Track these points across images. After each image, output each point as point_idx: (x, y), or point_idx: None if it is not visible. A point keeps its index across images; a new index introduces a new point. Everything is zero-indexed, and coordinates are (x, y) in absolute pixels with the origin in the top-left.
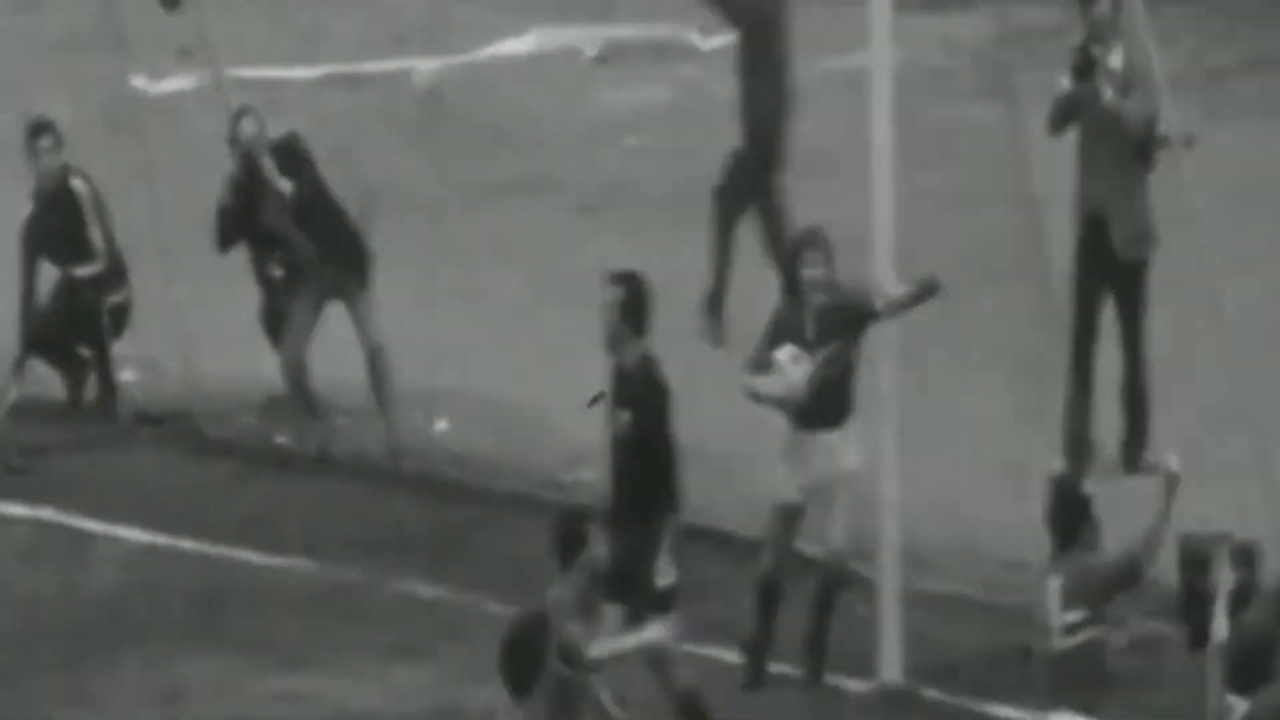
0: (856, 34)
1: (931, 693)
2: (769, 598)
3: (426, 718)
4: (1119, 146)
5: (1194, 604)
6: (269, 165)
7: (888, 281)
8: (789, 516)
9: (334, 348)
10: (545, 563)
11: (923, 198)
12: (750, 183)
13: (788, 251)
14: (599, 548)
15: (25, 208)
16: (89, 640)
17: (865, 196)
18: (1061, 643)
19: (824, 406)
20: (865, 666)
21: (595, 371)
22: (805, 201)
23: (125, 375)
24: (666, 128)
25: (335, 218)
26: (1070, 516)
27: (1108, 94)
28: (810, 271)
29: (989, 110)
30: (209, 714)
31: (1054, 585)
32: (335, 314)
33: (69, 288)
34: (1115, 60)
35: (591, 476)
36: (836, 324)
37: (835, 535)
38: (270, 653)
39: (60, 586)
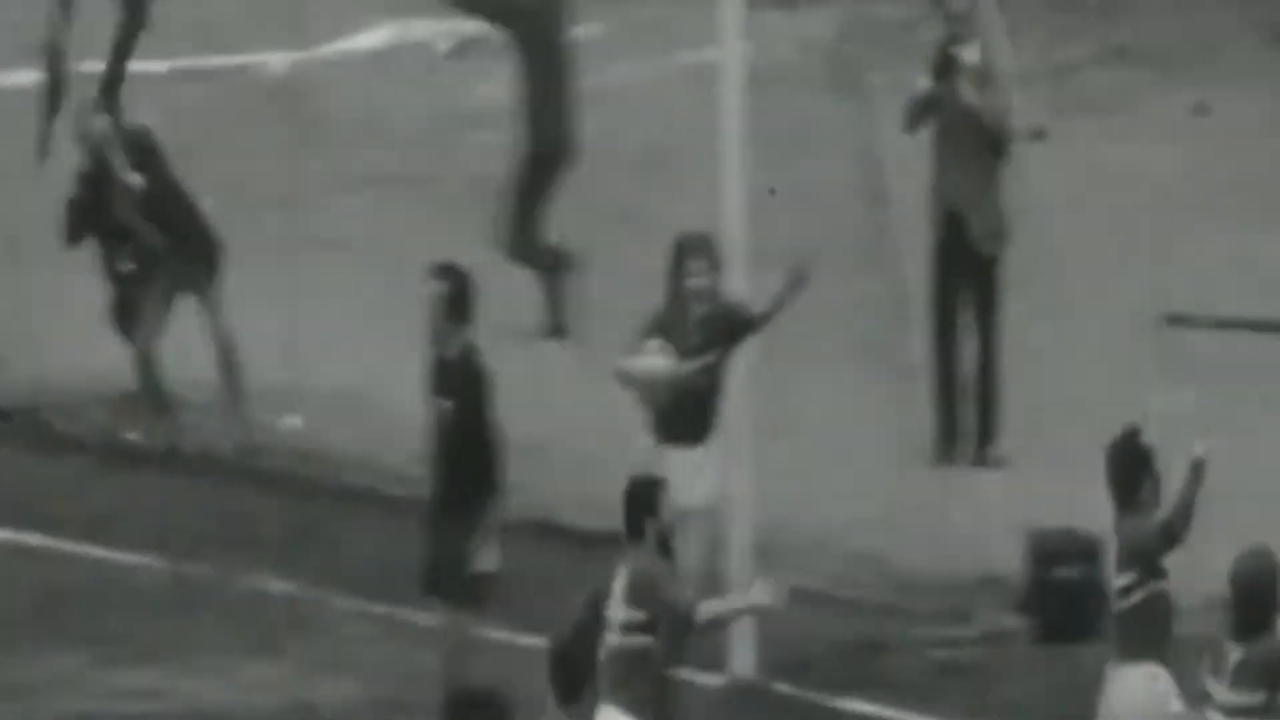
0: (706, 30)
1: (783, 687)
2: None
3: (278, 713)
4: (976, 143)
5: (1040, 597)
6: (118, 159)
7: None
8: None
9: (185, 342)
10: (396, 557)
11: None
12: (544, 180)
13: (671, 257)
14: (668, 515)
15: None
16: None
17: (715, 193)
18: (1120, 605)
19: (687, 420)
20: (717, 660)
21: None
22: (655, 198)
23: None
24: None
25: (185, 211)
26: (1131, 472)
27: (967, 92)
28: (695, 280)
29: (840, 106)
30: (59, 710)
31: (1111, 546)
32: (186, 308)
33: None
34: (972, 57)
35: None
36: (716, 333)
37: (688, 560)
38: (120, 649)
39: None
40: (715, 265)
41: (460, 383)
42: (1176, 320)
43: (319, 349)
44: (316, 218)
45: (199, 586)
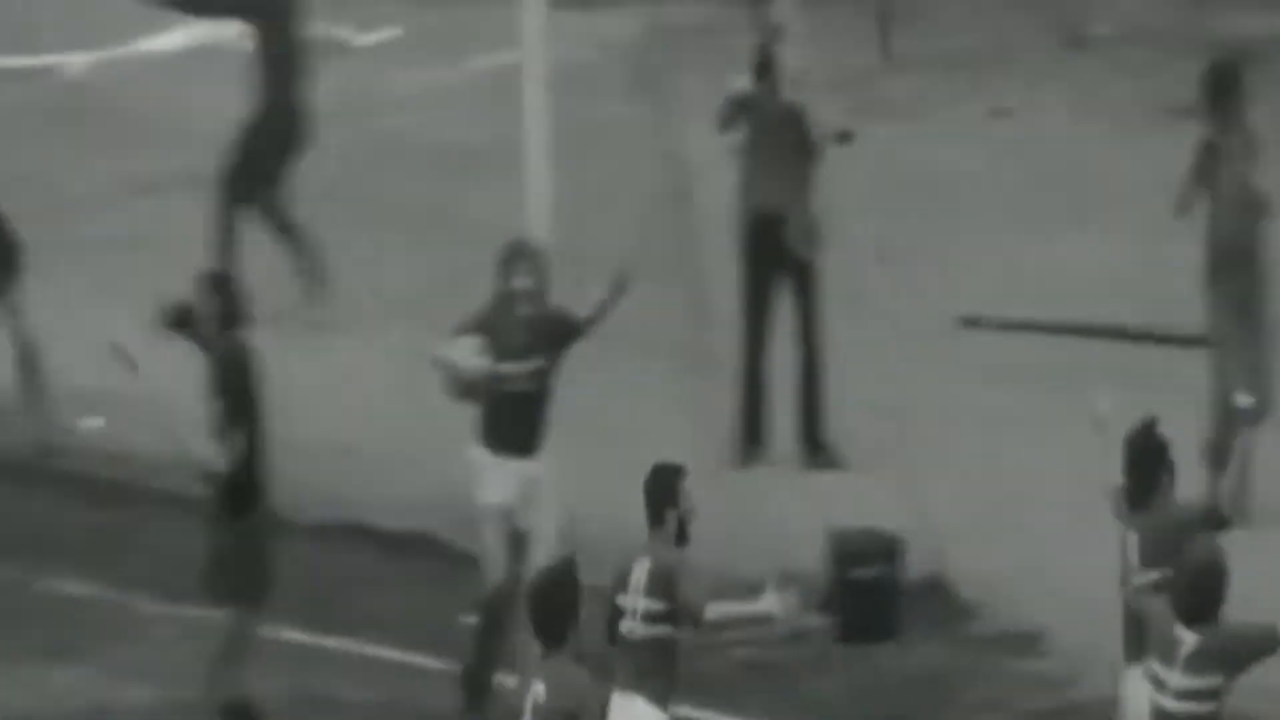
0: (507, 32)
1: None
2: (490, 624)
3: (85, 717)
4: (792, 145)
5: (841, 597)
6: None
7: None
8: (500, 519)
9: None
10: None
11: (577, 195)
12: (262, 172)
13: (498, 259)
14: (689, 503)
15: None
16: None
17: (519, 194)
18: (1137, 602)
19: (517, 430)
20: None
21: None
22: (460, 199)
23: None
24: (320, 125)
25: None
26: (1149, 465)
27: (784, 94)
28: (520, 281)
29: (640, 107)
30: None
31: (1131, 540)
32: None
33: None
34: (793, 59)
35: None
36: (540, 338)
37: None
38: None
39: None
40: (542, 270)
41: (230, 383)
42: (971, 323)
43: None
44: (117, 218)
45: (1, 591)
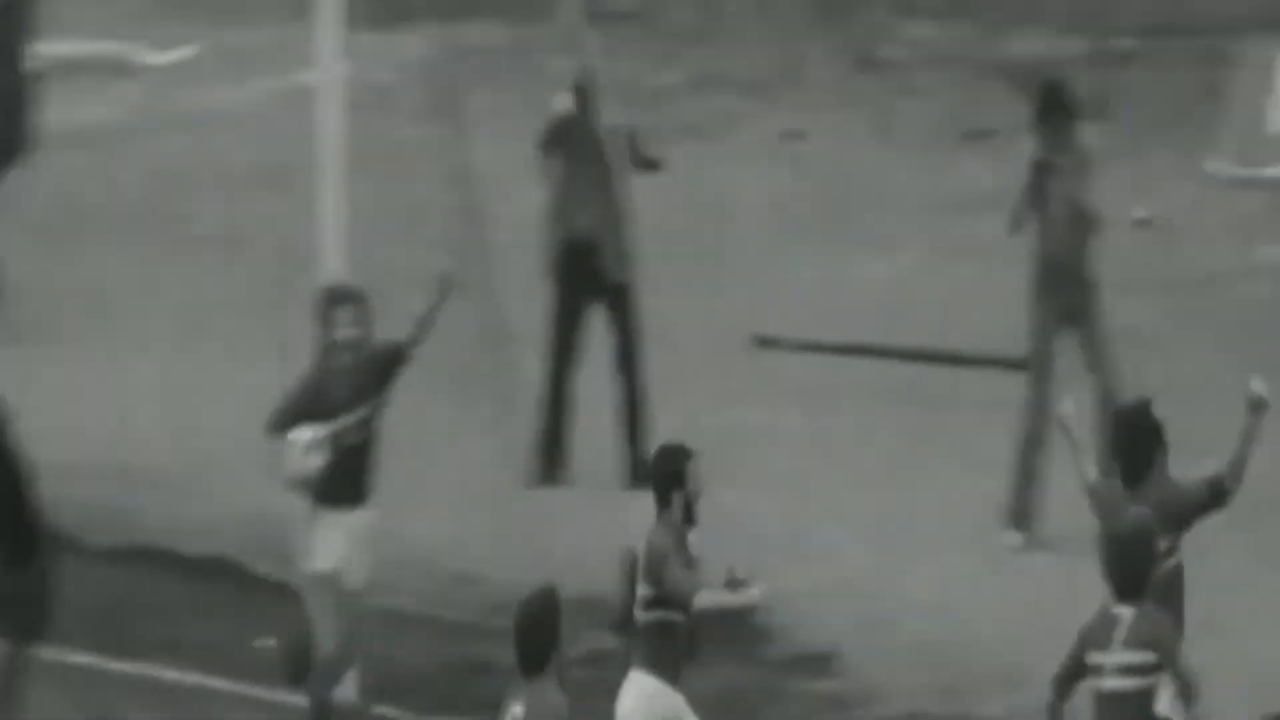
0: (305, 52)
1: (385, 710)
2: (323, 686)
3: None
4: (608, 170)
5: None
6: None
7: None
8: (325, 587)
9: None
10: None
11: (372, 214)
12: None
13: (318, 309)
14: (695, 484)
15: None
16: None
17: (314, 213)
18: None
19: (347, 481)
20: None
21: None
22: (253, 218)
23: None
24: (113, 144)
25: None
26: (1144, 444)
27: (602, 116)
28: (343, 332)
29: (436, 127)
30: None
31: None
32: None
33: None
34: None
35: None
36: (369, 382)
37: (337, 629)
38: None
39: None
40: (365, 315)
41: None
42: (766, 342)
43: None
44: None
45: None
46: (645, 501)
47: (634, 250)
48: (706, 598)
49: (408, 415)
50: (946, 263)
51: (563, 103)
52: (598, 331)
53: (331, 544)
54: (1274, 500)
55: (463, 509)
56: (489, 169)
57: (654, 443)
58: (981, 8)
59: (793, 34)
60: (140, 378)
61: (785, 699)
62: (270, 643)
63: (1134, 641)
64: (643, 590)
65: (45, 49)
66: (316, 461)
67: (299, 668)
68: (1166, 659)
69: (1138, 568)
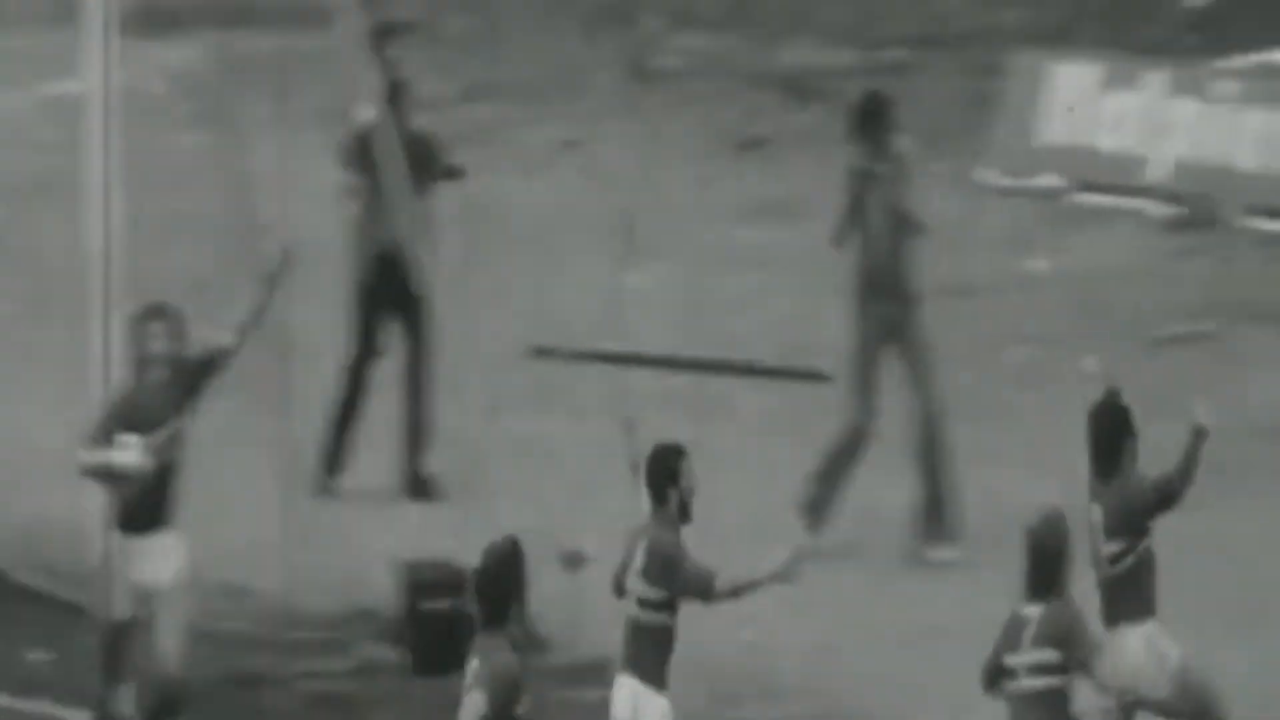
0: (69, 60)
1: None
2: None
3: None
4: (417, 178)
5: (412, 629)
6: None
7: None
8: (119, 633)
9: None
10: None
11: (146, 224)
12: None
13: (131, 324)
14: (690, 482)
15: None
16: None
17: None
18: (1110, 572)
19: (149, 508)
20: (86, 697)
21: None
22: (23, 227)
23: None
24: None
25: None
26: (1113, 437)
27: (412, 124)
28: (155, 345)
29: (209, 136)
30: None
31: (1095, 515)
32: None
33: None
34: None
35: None
36: (178, 396)
37: (166, 654)
38: None
39: None
40: (179, 330)
41: None
42: (542, 352)
43: None
44: None
45: None
46: (423, 513)
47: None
48: (730, 578)
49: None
50: (723, 271)
51: (365, 112)
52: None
53: (147, 564)
54: None
55: (235, 520)
56: (266, 178)
57: (430, 454)
58: (754, 18)
59: (569, 43)
60: None
61: (561, 708)
62: (42, 656)
63: (1041, 640)
64: (644, 591)
65: None
66: (143, 461)
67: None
68: (1074, 654)
69: (1047, 567)
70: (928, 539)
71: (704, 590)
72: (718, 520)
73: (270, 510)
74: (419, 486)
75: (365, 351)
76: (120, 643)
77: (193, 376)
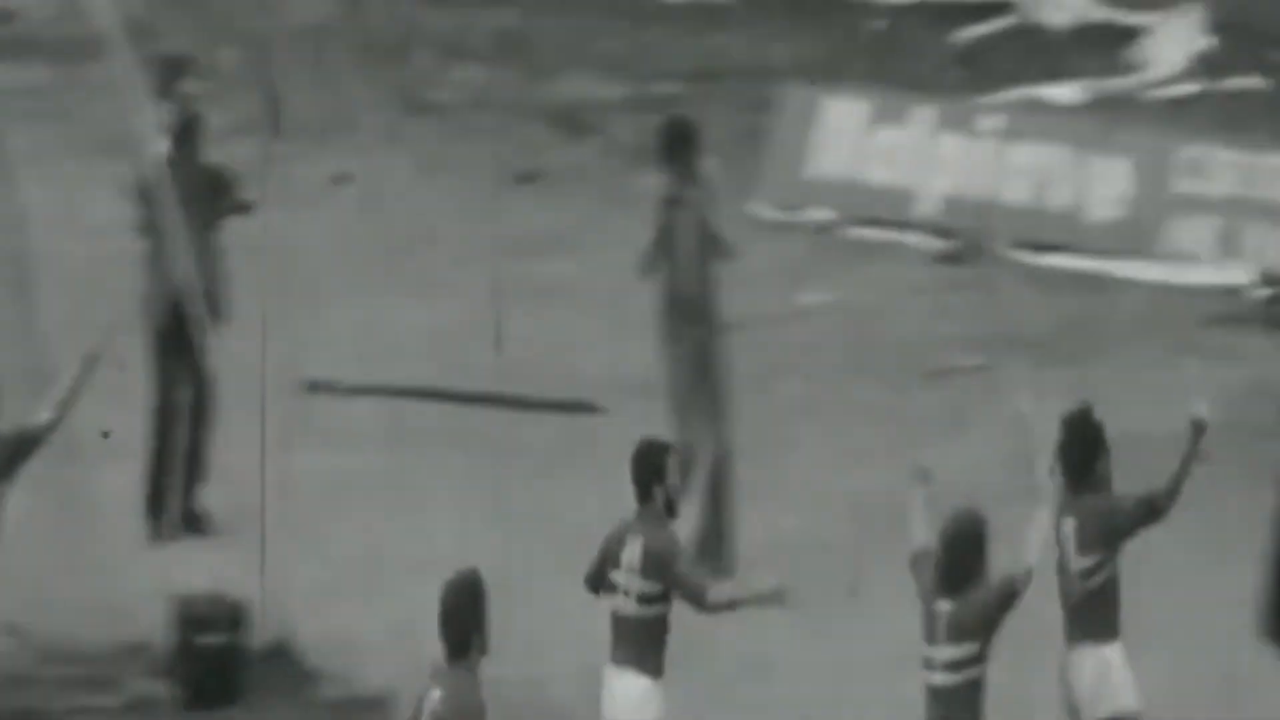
0: None
1: None
2: None
3: None
4: (211, 214)
5: (185, 664)
6: None
7: None
8: None
9: None
10: None
11: None
12: None
13: None
14: (676, 479)
15: None
16: None
17: None
18: (1083, 587)
19: None
20: None
21: None
22: None
23: None
24: None
25: None
26: (1086, 450)
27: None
28: None
29: None
30: None
31: (1068, 528)
32: None
33: None
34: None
35: None
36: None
37: None
38: None
39: None
40: None
41: None
42: (315, 387)
43: None
44: None
45: None
46: (196, 547)
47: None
48: (724, 591)
49: None
50: (498, 304)
51: (158, 146)
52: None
53: None
54: None
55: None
56: (32, 211)
57: (205, 488)
58: (528, 52)
59: (342, 76)
60: None
61: None
62: None
63: (956, 633)
64: (642, 586)
65: None
66: None
67: None
68: (990, 630)
69: (961, 563)
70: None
71: (697, 598)
72: (473, 559)
73: (40, 544)
74: (193, 521)
75: (166, 390)
76: None
77: (6, 454)
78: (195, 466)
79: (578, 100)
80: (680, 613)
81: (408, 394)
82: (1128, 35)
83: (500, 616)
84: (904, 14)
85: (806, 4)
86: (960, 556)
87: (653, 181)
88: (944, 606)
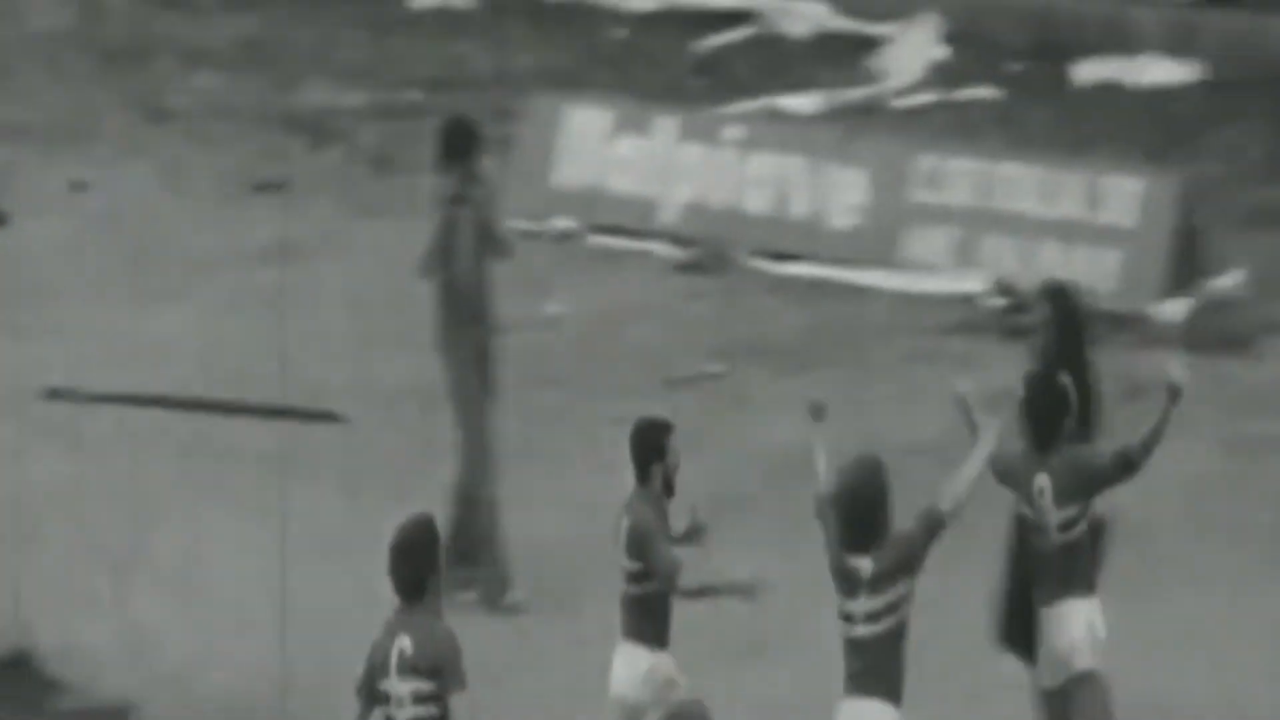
0: None
1: None
2: None
3: None
4: None
5: None
6: None
7: None
8: None
9: None
10: None
11: None
12: None
13: None
14: (675, 458)
15: None
16: None
17: None
18: (1061, 539)
19: None
20: None
21: None
22: None
23: None
24: None
25: None
26: (1053, 411)
27: None
28: None
29: None
30: None
31: (1041, 483)
32: None
33: None
34: None
35: None
36: None
37: None
38: None
39: None
40: None
41: None
42: (55, 394)
43: None
44: None
45: None
46: None
47: None
48: (696, 579)
49: None
50: (238, 313)
51: None
52: None
53: None
54: None
55: None
56: None
57: None
58: (270, 59)
59: (80, 82)
60: None
61: None
62: None
63: (876, 586)
64: (627, 564)
65: None
66: None
67: None
68: (912, 569)
69: (868, 517)
70: (460, 583)
71: (668, 579)
72: (214, 567)
73: None
74: None
75: None
76: None
77: None
78: None
79: (320, 108)
80: None
81: (148, 403)
82: (866, 45)
83: (237, 622)
84: (646, 23)
85: (549, 13)
86: (862, 514)
87: (433, 181)
88: (862, 563)
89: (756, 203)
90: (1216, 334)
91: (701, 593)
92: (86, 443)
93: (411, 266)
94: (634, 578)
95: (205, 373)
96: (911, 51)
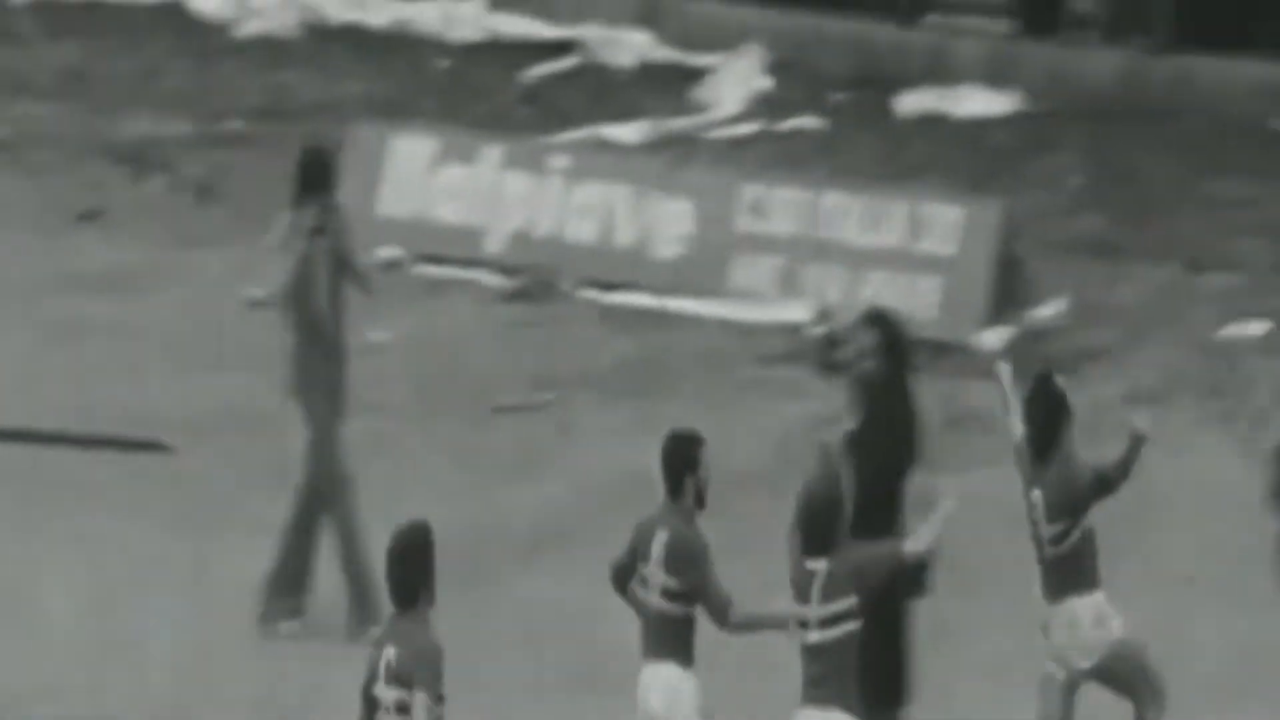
0: None
1: None
2: None
3: None
4: None
5: None
6: None
7: None
8: None
9: None
10: None
11: None
12: None
13: None
14: (708, 471)
15: None
16: None
17: None
18: (1053, 552)
19: None
20: None
21: None
22: None
23: None
24: None
25: None
26: (1051, 417)
27: None
28: None
29: None
30: None
31: (1035, 497)
32: None
33: None
34: None
35: None
36: None
37: None
38: None
39: None
40: None
41: None
42: None
43: None
44: None
45: None
46: None
47: None
48: (745, 612)
49: None
50: (58, 342)
51: None
52: None
53: None
54: None
55: None
56: None
57: None
58: (91, 88)
59: None
60: None
61: None
62: None
63: (830, 592)
64: (665, 581)
65: None
66: None
67: None
68: (867, 582)
69: (824, 525)
70: (267, 615)
71: (719, 614)
72: (41, 599)
73: None
74: None
75: None
76: None
77: None
78: None
79: (142, 137)
80: None
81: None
82: (690, 76)
83: (65, 654)
84: (471, 53)
85: (374, 42)
86: (820, 521)
87: (289, 215)
88: (818, 566)
89: (582, 232)
90: (1037, 361)
91: (751, 626)
92: None
93: (237, 296)
94: (670, 595)
95: (30, 403)
96: (735, 81)
